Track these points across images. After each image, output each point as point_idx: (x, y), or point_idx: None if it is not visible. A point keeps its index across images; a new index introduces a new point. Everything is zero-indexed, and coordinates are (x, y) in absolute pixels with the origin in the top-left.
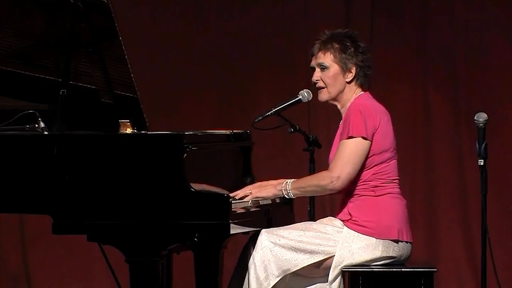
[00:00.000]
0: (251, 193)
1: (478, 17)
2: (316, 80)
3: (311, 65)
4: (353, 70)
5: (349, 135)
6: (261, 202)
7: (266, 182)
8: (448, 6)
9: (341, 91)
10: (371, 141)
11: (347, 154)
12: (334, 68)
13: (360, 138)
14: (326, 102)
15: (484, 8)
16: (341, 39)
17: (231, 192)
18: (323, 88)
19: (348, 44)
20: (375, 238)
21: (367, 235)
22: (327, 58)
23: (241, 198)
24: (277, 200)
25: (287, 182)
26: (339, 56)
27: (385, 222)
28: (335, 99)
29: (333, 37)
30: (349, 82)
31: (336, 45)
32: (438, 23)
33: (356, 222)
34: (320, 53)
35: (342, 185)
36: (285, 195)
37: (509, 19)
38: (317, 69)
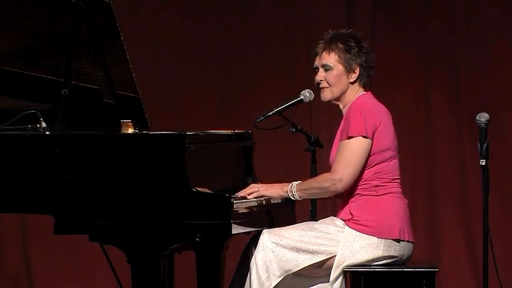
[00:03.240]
0: (257, 190)
1: (480, 17)
2: (320, 80)
3: (314, 65)
4: (357, 71)
5: (349, 135)
6: (263, 202)
7: (272, 184)
8: (450, 6)
9: (344, 92)
10: (372, 140)
11: (347, 155)
12: (338, 68)
13: (360, 137)
14: (329, 102)
15: (485, 8)
16: (346, 39)
17: (232, 192)
18: (326, 88)
19: (352, 44)
20: (377, 237)
21: (368, 235)
22: (331, 59)
23: (244, 197)
24: (278, 200)
25: (292, 184)
26: (344, 57)
27: (387, 222)
28: (337, 99)
29: (337, 37)
30: (352, 83)
31: (341, 45)
32: (440, 23)
33: (357, 222)
34: (324, 53)
35: (344, 186)
36: (291, 197)
37: (510, 19)
38: (321, 69)
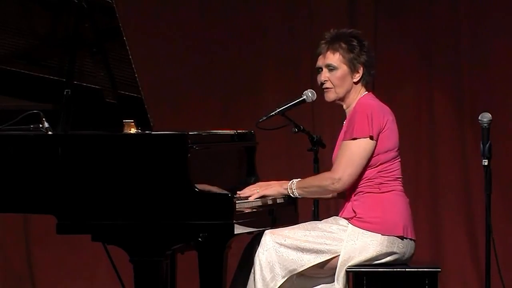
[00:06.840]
0: (257, 192)
1: (482, 17)
2: (324, 81)
3: (317, 65)
4: (360, 70)
5: (353, 136)
6: (269, 202)
7: (270, 182)
8: (452, 7)
9: (348, 92)
10: (376, 141)
11: (349, 155)
12: (343, 68)
13: (364, 139)
14: (333, 102)
15: (488, 8)
16: (348, 39)
17: (234, 192)
18: (331, 88)
19: (354, 44)
20: (381, 234)
21: (372, 231)
22: (335, 59)
23: (247, 197)
24: (281, 200)
25: (292, 181)
26: (348, 57)
27: (391, 218)
28: (341, 99)
29: (340, 37)
30: (356, 83)
31: (344, 45)
32: (442, 23)
33: (361, 219)
34: (328, 53)
35: (343, 186)
36: (291, 194)
37: None
38: (325, 70)
